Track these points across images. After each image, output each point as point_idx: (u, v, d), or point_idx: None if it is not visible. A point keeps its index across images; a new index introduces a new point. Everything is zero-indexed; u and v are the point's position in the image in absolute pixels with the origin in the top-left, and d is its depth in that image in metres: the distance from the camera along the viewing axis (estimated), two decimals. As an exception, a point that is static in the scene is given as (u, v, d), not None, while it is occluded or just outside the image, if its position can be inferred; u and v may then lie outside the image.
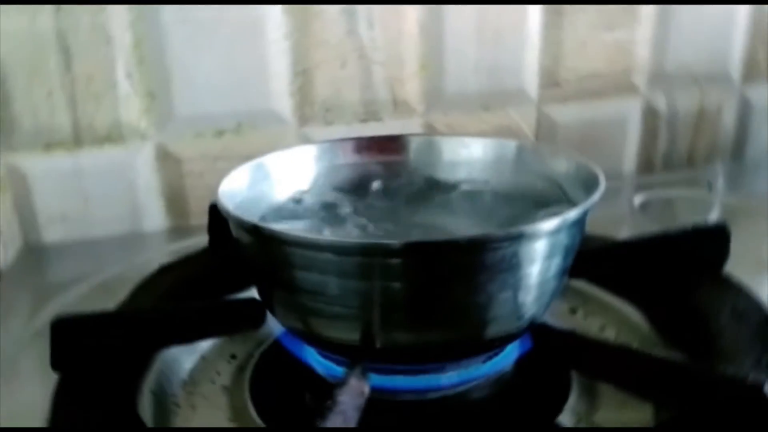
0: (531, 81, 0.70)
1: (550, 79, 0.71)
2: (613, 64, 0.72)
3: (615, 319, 0.45)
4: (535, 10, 0.68)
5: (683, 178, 0.76)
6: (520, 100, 0.71)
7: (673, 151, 0.79)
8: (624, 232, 0.61)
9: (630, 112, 0.75)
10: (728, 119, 0.80)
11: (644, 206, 0.67)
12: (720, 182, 0.75)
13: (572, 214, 0.31)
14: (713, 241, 0.44)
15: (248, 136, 0.64)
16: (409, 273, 0.29)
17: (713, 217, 0.67)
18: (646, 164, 0.78)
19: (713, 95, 0.78)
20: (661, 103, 0.76)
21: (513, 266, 0.30)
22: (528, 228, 0.30)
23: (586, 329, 0.45)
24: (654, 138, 0.77)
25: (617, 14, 0.71)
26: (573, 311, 0.47)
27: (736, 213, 0.67)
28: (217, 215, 0.50)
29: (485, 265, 0.29)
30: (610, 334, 0.44)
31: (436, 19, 0.65)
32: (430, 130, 0.69)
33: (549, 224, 0.30)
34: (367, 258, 0.29)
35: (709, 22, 0.75)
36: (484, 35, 0.67)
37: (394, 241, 0.29)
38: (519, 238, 0.30)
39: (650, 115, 0.76)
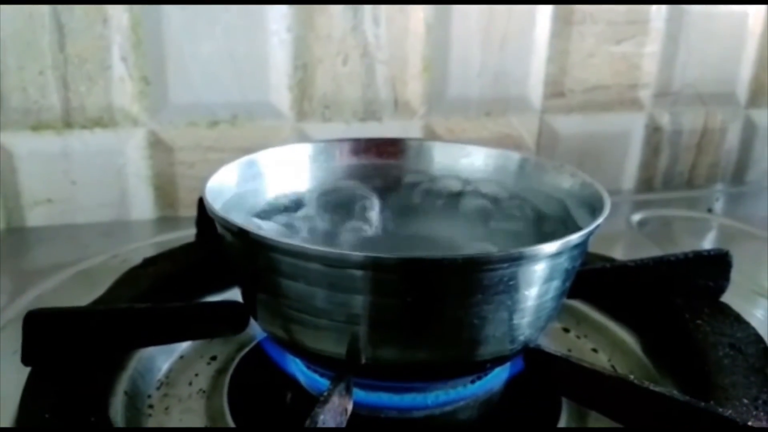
0: (535, 89, 0.69)
1: (554, 89, 0.70)
2: (620, 78, 0.71)
3: (608, 341, 0.44)
4: (544, 17, 0.67)
5: (682, 197, 0.75)
6: (523, 108, 0.70)
7: (674, 169, 0.78)
8: (620, 249, 0.60)
9: (633, 127, 0.74)
10: (732, 141, 0.79)
11: (642, 224, 0.66)
12: (720, 204, 0.74)
13: (575, 237, 0.30)
14: (714, 268, 0.43)
15: (243, 128, 0.62)
16: (402, 289, 0.28)
17: (711, 239, 0.66)
18: (646, 182, 0.77)
19: (718, 116, 0.77)
20: (665, 120, 0.75)
21: (511, 288, 0.29)
22: (529, 250, 0.28)
23: (579, 350, 0.44)
24: (656, 155, 0.76)
25: (626, 27, 0.69)
26: (566, 330, 0.46)
27: (735, 237, 0.66)
28: (206, 209, 0.49)
29: (482, 285, 0.28)
30: (602, 357, 0.43)
31: (443, 20, 0.64)
32: (430, 133, 0.67)
33: (550, 247, 0.29)
34: (359, 271, 0.28)
35: (718, 42, 0.74)
36: (490, 40, 0.66)
37: (389, 256, 0.27)
38: (519, 259, 0.28)
39: (653, 131, 0.75)
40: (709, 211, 0.71)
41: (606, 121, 0.73)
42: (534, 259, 0.29)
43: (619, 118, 0.73)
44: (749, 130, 0.79)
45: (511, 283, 0.28)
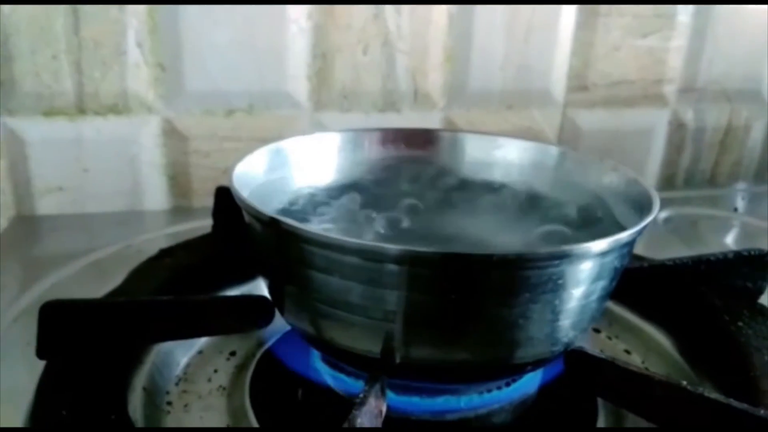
0: (558, 83, 0.68)
1: (578, 83, 0.68)
2: (644, 73, 0.70)
3: (642, 343, 0.43)
4: (569, 8, 0.65)
5: (704, 196, 0.74)
6: (546, 101, 0.68)
7: (697, 167, 0.76)
8: (648, 247, 0.58)
9: (657, 123, 0.73)
10: (755, 139, 0.77)
11: (667, 222, 0.65)
12: (744, 203, 0.73)
13: (625, 235, 0.28)
14: (753, 269, 0.41)
15: (260, 117, 0.60)
16: (446, 286, 0.27)
17: (739, 238, 0.65)
18: (668, 179, 0.75)
19: (743, 113, 0.75)
20: (689, 116, 0.73)
21: (559, 287, 0.27)
22: (579, 247, 0.27)
23: (611, 351, 0.42)
24: (679, 152, 0.74)
25: (653, 21, 0.68)
26: (597, 331, 0.44)
27: (757, 235, 0.64)
28: (223, 199, 0.47)
29: (530, 283, 0.26)
30: (636, 359, 0.42)
31: (467, 10, 0.62)
32: (450, 126, 0.66)
33: (601, 244, 0.27)
34: (400, 266, 0.26)
35: (745, 38, 0.72)
36: (514, 31, 0.64)
37: (434, 251, 0.26)
38: (569, 257, 0.27)
39: (677, 128, 0.73)
40: (735, 210, 0.69)
41: (629, 116, 0.71)
42: (585, 256, 0.27)
43: (643, 114, 0.72)
44: (774, 129, 0.77)
45: (559, 281, 0.27)
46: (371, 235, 0.34)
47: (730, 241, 0.64)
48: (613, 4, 0.65)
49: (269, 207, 0.35)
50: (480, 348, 0.29)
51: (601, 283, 0.29)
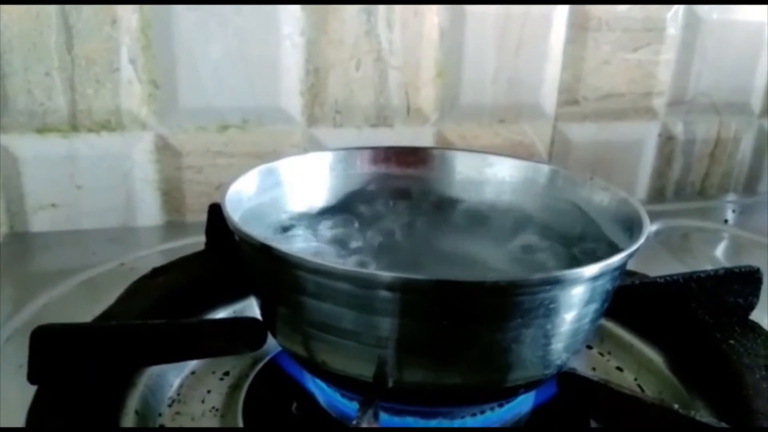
0: (549, 97, 0.68)
1: (569, 96, 0.68)
2: (634, 86, 0.70)
3: (634, 360, 0.43)
4: (559, 23, 0.65)
5: (694, 208, 0.74)
6: (537, 115, 0.68)
7: (686, 179, 0.77)
8: (639, 260, 0.59)
9: (647, 136, 0.73)
10: (744, 151, 0.78)
11: (657, 235, 0.65)
12: (734, 215, 0.73)
13: (616, 259, 0.28)
14: (744, 285, 0.41)
15: (253, 133, 0.60)
16: (438, 312, 0.27)
17: (729, 251, 0.65)
18: (658, 191, 0.76)
19: (732, 125, 0.76)
20: (678, 129, 0.74)
21: (551, 311, 0.27)
22: (571, 272, 0.27)
23: (603, 368, 0.42)
24: (668, 164, 0.75)
25: (642, 35, 0.68)
26: (589, 347, 0.44)
27: (751, 249, 0.65)
28: (216, 217, 0.47)
29: (523, 309, 0.27)
30: (628, 377, 0.42)
31: (458, 25, 0.62)
32: (442, 140, 0.66)
33: (592, 269, 0.27)
34: (393, 293, 0.26)
35: (733, 51, 0.73)
36: (505, 46, 0.65)
37: (427, 278, 0.26)
38: (561, 282, 0.27)
39: (667, 140, 0.74)
40: (725, 222, 0.69)
41: (619, 129, 0.72)
42: (576, 281, 0.27)
43: (633, 127, 0.72)
44: (762, 140, 0.78)
45: (552, 306, 0.27)
46: (364, 256, 0.34)
47: (720, 253, 0.64)
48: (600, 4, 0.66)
49: (261, 229, 0.35)
50: (473, 372, 0.29)
51: (593, 306, 0.30)
